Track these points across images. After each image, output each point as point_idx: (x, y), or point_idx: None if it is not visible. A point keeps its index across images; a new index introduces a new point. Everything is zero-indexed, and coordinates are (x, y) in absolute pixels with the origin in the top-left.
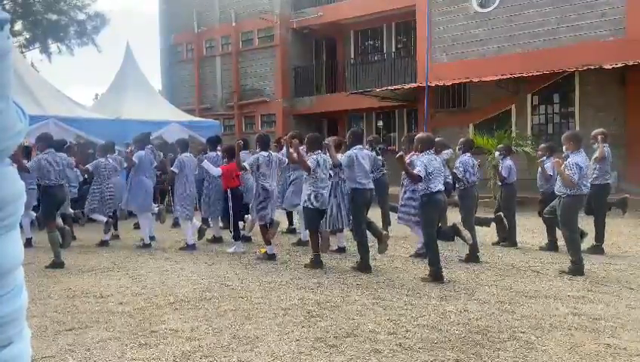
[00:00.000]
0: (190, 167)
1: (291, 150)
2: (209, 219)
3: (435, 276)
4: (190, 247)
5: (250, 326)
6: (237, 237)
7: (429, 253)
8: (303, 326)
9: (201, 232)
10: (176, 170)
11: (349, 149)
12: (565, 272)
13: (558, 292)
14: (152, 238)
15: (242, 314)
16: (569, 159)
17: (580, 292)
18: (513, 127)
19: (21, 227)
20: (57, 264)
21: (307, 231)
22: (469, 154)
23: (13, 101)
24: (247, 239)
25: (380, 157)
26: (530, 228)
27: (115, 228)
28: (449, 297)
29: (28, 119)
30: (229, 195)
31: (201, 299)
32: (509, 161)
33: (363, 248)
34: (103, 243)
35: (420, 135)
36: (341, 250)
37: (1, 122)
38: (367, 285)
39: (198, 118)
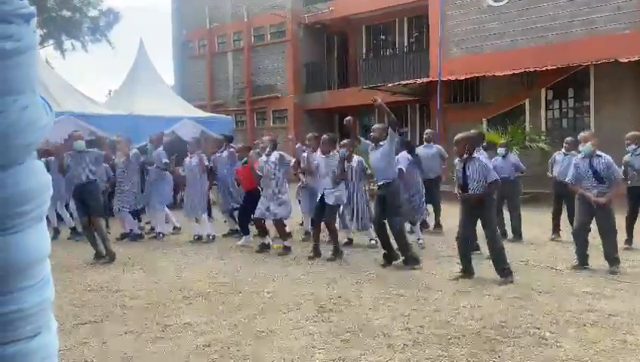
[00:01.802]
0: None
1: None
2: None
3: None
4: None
5: (263, 321)
6: (247, 231)
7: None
8: (315, 321)
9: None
10: (210, 164)
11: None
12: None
13: (572, 288)
14: (167, 233)
15: (256, 309)
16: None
17: (595, 288)
18: (527, 122)
19: (60, 218)
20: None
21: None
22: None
23: (40, 96)
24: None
25: None
26: (542, 223)
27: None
28: (462, 293)
29: (54, 113)
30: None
31: (215, 294)
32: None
33: (407, 244)
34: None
35: (467, 134)
36: (349, 242)
37: (29, 115)
38: (379, 280)
39: (210, 114)
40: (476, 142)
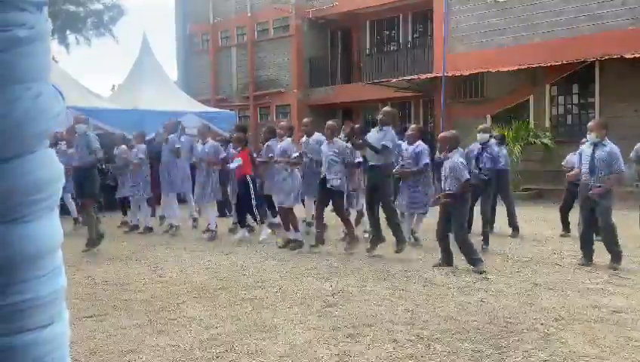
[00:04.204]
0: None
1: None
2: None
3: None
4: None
5: (267, 315)
6: (243, 223)
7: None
8: (320, 315)
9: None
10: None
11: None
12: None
13: (577, 285)
14: (177, 226)
15: (260, 303)
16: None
17: (599, 284)
18: (531, 118)
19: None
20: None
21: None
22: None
23: (52, 85)
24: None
25: None
26: (547, 219)
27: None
28: (467, 288)
29: (65, 102)
30: (249, 181)
31: (219, 288)
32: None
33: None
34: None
35: (444, 134)
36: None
37: (41, 103)
38: (383, 275)
39: (213, 109)
40: (456, 141)
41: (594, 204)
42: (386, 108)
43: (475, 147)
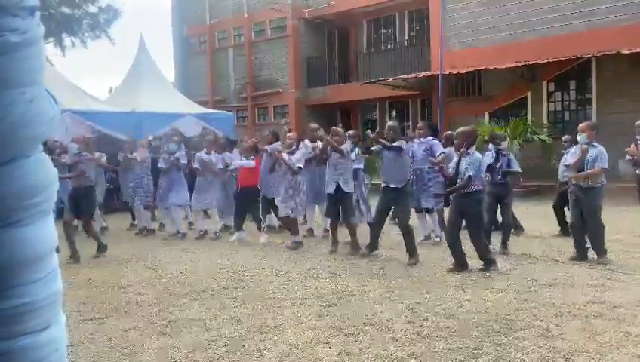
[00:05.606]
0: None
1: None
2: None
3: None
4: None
5: (268, 316)
6: (239, 227)
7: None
8: (320, 316)
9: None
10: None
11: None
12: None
13: (576, 281)
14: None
15: (260, 304)
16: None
17: (598, 280)
18: (529, 115)
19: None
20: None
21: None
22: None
23: (45, 89)
24: (272, 228)
25: None
26: (545, 216)
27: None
28: (466, 286)
29: (59, 106)
30: (257, 190)
31: (219, 289)
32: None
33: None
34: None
35: (466, 128)
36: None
37: (36, 108)
38: (382, 275)
39: (211, 110)
40: (475, 137)
41: (583, 204)
42: (392, 123)
43: (490, 152)
